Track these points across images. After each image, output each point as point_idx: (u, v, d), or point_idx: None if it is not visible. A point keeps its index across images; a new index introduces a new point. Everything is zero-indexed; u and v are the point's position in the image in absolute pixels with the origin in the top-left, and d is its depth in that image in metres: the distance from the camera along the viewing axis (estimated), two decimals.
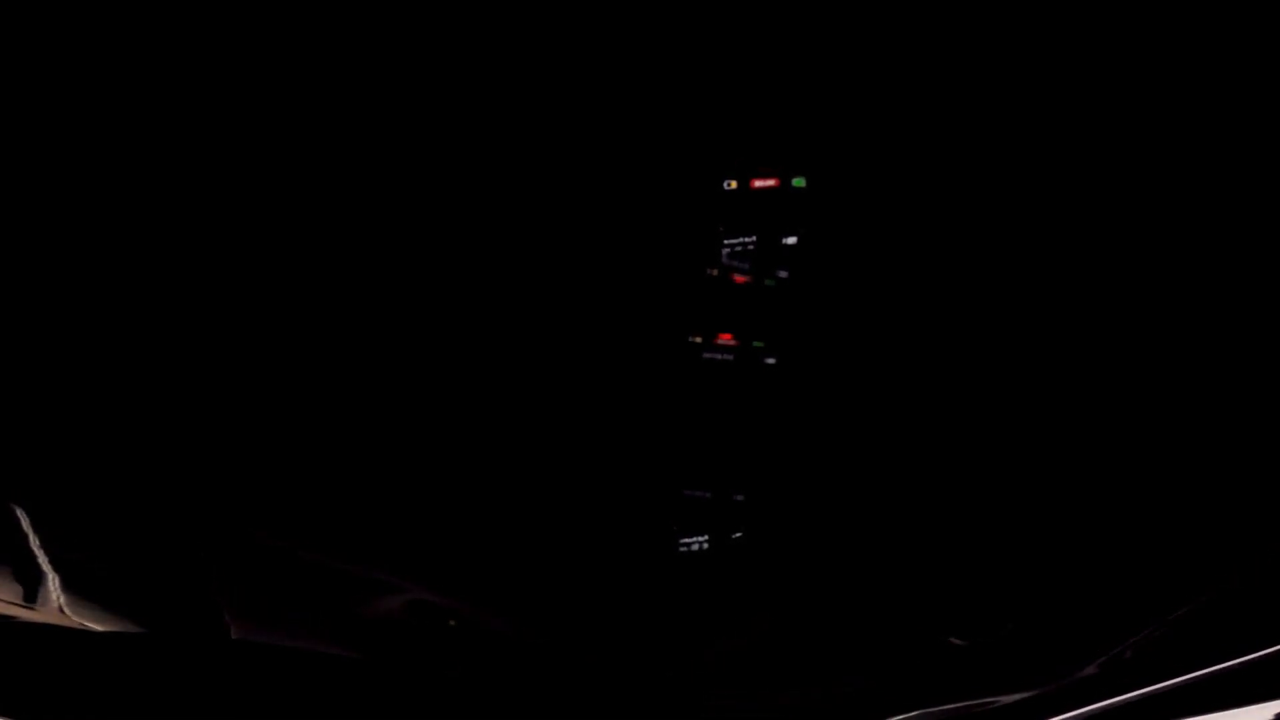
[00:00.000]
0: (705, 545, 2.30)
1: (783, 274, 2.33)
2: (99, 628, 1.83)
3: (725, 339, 2.34)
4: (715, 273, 2.34)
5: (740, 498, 2.30)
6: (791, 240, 2.33)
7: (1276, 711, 1.67)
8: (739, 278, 2.34)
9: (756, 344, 2.33)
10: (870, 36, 2.25)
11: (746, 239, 2.34)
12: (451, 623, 2.08)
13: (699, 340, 2.34)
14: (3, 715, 1.52)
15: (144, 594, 1.95)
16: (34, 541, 1.86)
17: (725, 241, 2.34)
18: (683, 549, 2.30)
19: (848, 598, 2.19)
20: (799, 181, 2.33)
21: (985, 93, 2.22)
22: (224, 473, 2.16)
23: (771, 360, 2.32)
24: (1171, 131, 2.16)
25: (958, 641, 2.06)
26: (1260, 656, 1.68)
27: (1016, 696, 1.82)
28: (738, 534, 2.29)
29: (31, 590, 1.84)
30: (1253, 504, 1.96)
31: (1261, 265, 2.12)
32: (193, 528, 2.05)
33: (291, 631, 1.99)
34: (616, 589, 2.25)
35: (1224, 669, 1.69)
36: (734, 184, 2.34)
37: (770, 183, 2.33)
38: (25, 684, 1.60)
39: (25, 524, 1.88)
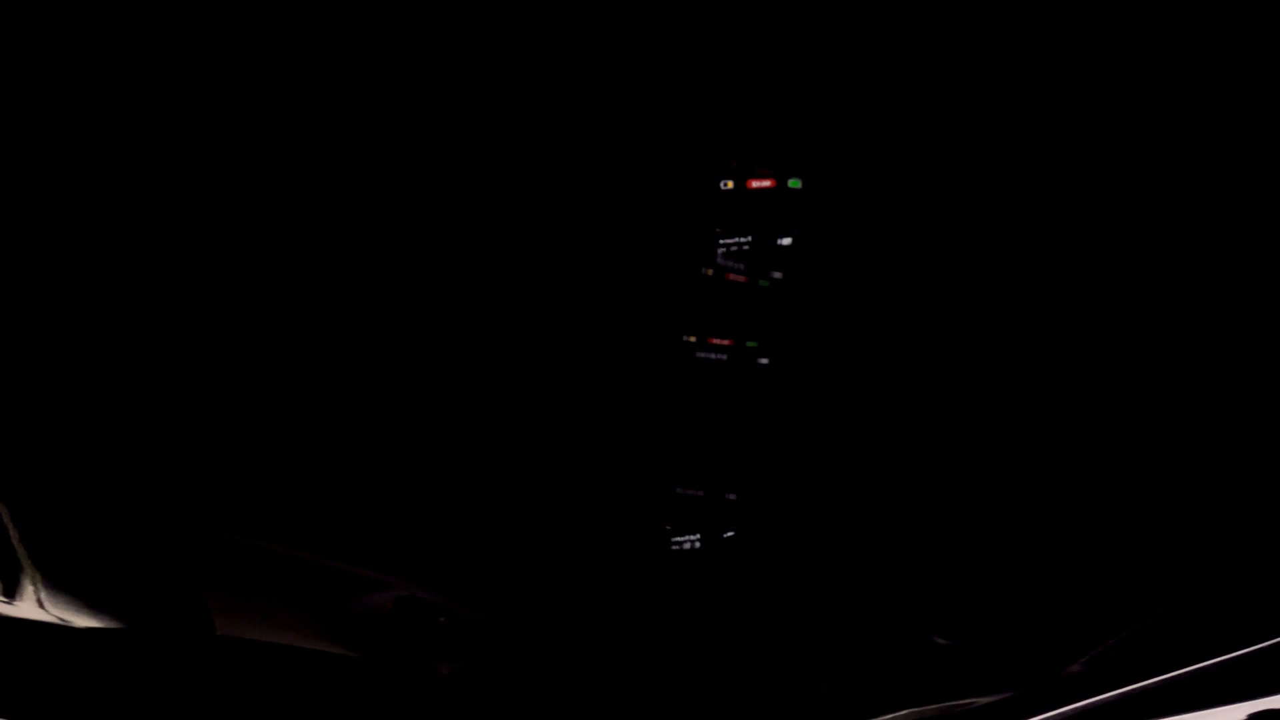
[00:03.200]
0: (697, 544, 2.30)
1: (777, 275, 2.33)
2: (79, 623, 1.84)
3: (719, 339, 2.34)
4: (710, 272, 2.35)
5: (732, 497, 2.31)
6: (787, 241, 2.33)
7: (1250, 712, 1.67)
8: (734, 278, 2.35)
9: (750, 344, 2.33)
10: (867, 39, 2.25)
11: (742, 239, 2.34)
12: (441, 619, 2.09)
13: (693, 340, 2.34)
14: None
15: (125, 590, 1.95)
16: (14, 536, 1.87)
17: (721, 241, 2.35)
18: (675, 547, 2.30)
19: (835, 597, 2.20)
20: (795, 183, 2.33)
21: (980, 95, 2.22)
22: (211, 470, 2.17)
23: (765, 360, 2.33)
24: (1171, 131, 2.15)
25: (942, 641, 2.06)
26: (1235, 657, 1.68)
27: (999, 696, 1.82)
28: (729, 533, 2.30)
29: (11, 585, 1.85)
30: (1233, 508, 1.96)
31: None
32: (178, 524, 2.06)
33: (279, 627, 2.00)
34: (608, 586, 2.25)
35: (1201, 669, 1.69)
36: (730, 184, 2.35)
37: (766, 183, 2.34)
38: (3, 679, 1.61)
39: (6, 518, 1.89)
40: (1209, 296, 2.11)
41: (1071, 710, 1.74)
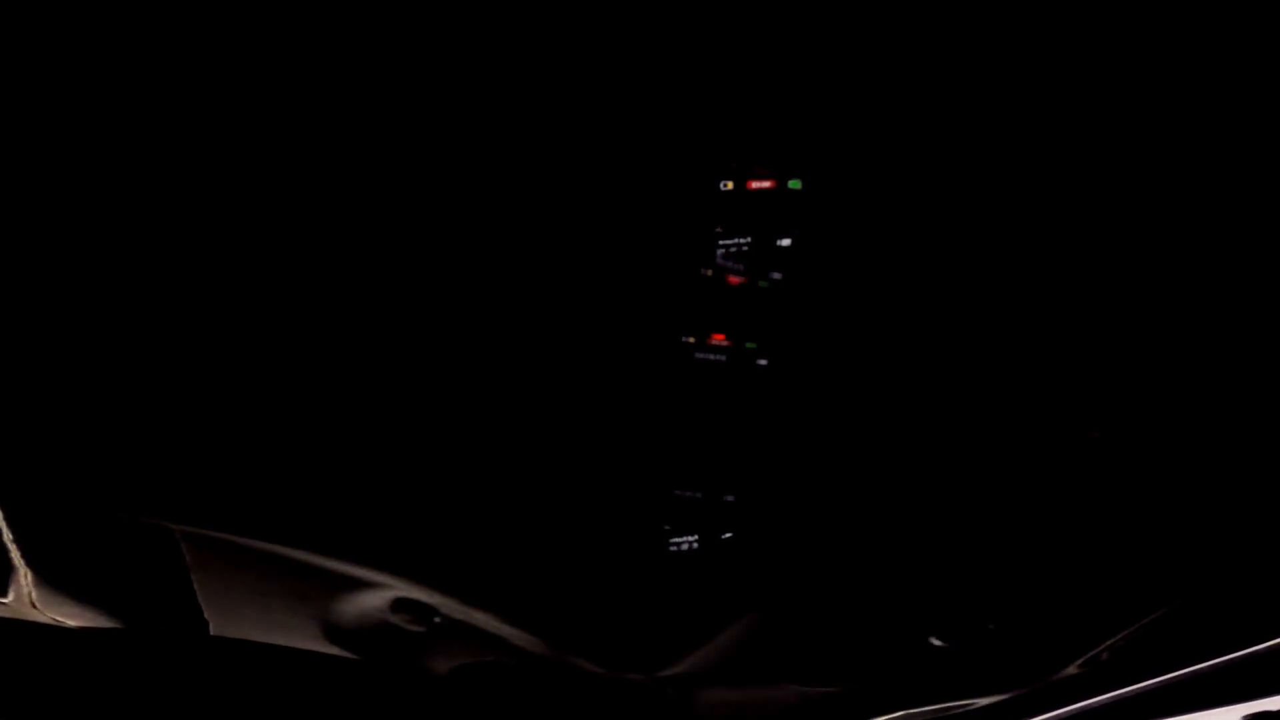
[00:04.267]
0: (695, 545, 2.30)
1: (777, 275, 2.33)
2: (72, 623, 1.84)
3: (718, 340, 2.34)
4: (710, 273, 2.35)
5: (731, 498, 2.31)
6: (786, 242, 2.33)
7: (1246, 713, 1.67)
8: (733, 279, 2.34)
9: (749, 345, 2.33)
10: (867, 38, 2.25)
11: (741, 240, 2.34)
12: (437, 619, 2.10)
13: (692, 340, 2.34)
14: None
15: (118, 589, 1.95)
16: (6, 535, 1.87)
17: (720, 242, 2.34)
18: (673, 548, 2.30)
19: (832, 599, 2.20)
20: (795, 183, 2.33)
21: (981, 95, 2.22)
22: (207, 470, 2.17)
23: (764, 362, 2.33)
24: (1171, 132, 2.15)
25: (939, 643, 2.06)
26: (1231, 660, 1.68)
27: (997, 698, 1.82)
28: (728, 534, 2.30)
29: (2, 584, 1.85)
30: (1229, 512, 1.95)
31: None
32: (170, 524, 2.06)
33: (275, 627, 2.00)
34: (606, 587, 2.25)
35: (1197, 671, 1.69)
36: (730, 185, 2.34)
37: (766, 184, 2.34)
38: None
39: None
40: (1209, 297, 2.10)
41: (1068, 712, 1.74)
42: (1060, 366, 2.14)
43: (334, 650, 1.99)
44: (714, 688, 2.13)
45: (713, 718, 2.06)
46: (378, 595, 2.05)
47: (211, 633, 1.92)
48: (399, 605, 2.07)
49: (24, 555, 1.83)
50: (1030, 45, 2.18)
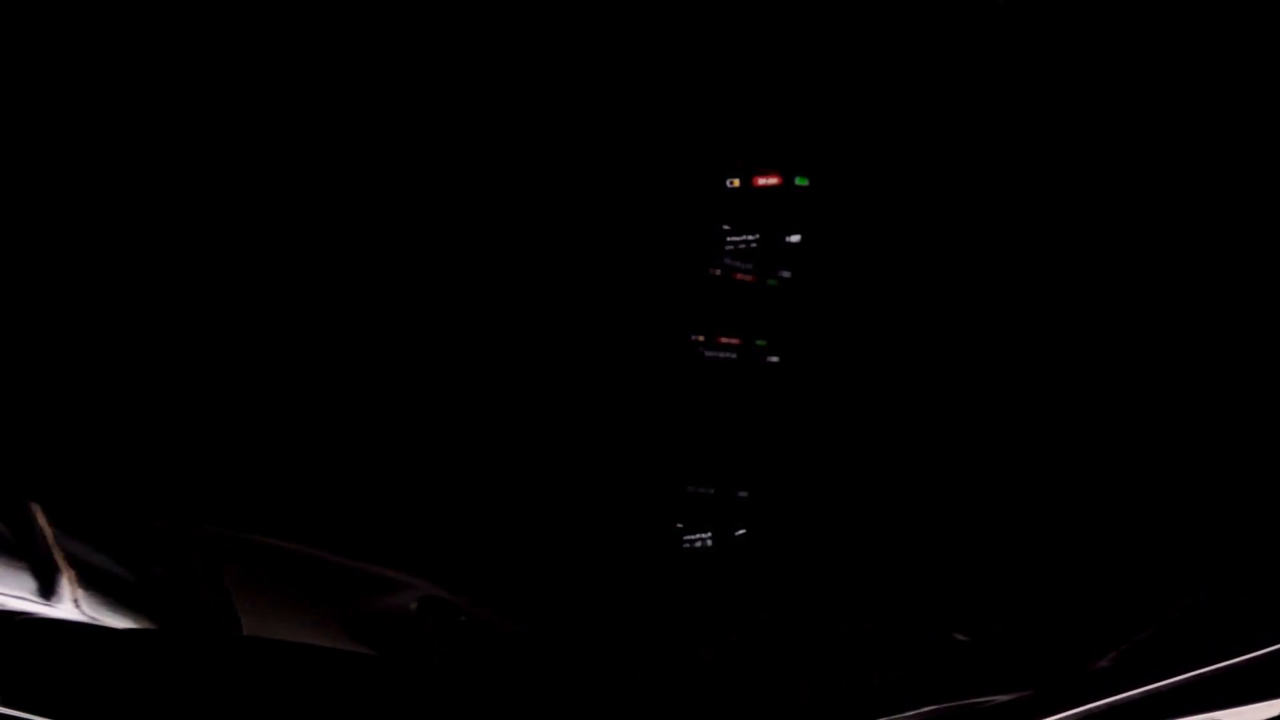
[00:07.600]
0: (709, 541, 2.31)
1: (785, 273, 2.34)
2: (116, 625, 1.83)
3: (727, 338, 2.35)
4: (718, 272, 2.35)
5: (743, 495, 2.31)
6: (794, 239, 2.34)
7: (1275, 713, 1.67)
8: (741, 276, 2.35)
9: (759, 343, 2.34)
10: (873, 35, 2.26)
11: (749, 238, 2.35)
12: (462, 618, 2.09)
13: (701, 339, 2.34)
14: (22, 711, 1.52)
15: (160, 592, 1.95)
16: (50, 537, 1.86)
17: (728, 240, 2.35)
18: (687, 545, 2.31)
19: (848, 594, 2.20)
20: (802, 180, 2.34)
21: (988, 92, 2.23)
22: (237, 472, 2.16)
23: (774, 359, 2.33)
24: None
25: (958, 638, 2.07)
26: (1258, 656, 1.68)
27: (1021, 693, 1.83)
28: (741, 531, 2.30)
29: (48, 587, 1.84)
30: (1250, 504, 1.97)
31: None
32: (205, 528, 2.06)
33: (304, 627, 2.00)
34: (621, 585, 2.26)
35: (1223, 668, 1.69)
36: (737, 182, 2.35)
37: (773, 181, 2.34)
38: (42, 681, 1.60)
39: (41, 520, 1.89)
40: (1220, 294, 2.12)
41: (1095, 708, 1.74)
42: (1085, 354, 2.16)
43: (362, 649, 1.99)
44: (729, 685, 2.13)
45: (728, 716, 2.06)
46: (405, 595, 2.05)
47: (244, 633, 1.92)
48: (424, 605, 2.07)
49: (68, 558, 1.83)
50: (1033, 43, 2.19)
